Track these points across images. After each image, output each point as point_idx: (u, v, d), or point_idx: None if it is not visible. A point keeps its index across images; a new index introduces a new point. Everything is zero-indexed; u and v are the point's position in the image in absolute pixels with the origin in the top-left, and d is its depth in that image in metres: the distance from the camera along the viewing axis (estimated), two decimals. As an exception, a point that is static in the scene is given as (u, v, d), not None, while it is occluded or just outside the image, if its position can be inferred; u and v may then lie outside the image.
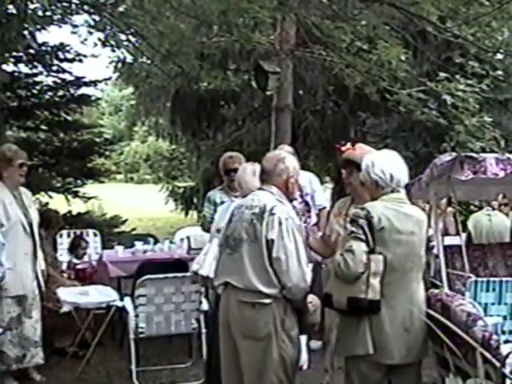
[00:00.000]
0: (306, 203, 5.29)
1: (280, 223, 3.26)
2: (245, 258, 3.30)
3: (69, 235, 8.25)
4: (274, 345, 3.28)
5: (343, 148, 3.81)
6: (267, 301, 3.26)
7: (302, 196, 5.26)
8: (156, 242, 7.18)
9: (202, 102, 12.58)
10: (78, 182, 11.09)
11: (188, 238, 6.62)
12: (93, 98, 11.33)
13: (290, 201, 3.58)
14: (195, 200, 13.91)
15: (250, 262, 3.28)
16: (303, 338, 3.74)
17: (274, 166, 3.45)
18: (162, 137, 16.55)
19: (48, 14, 7.30)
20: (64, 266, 6.65)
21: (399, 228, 3.15)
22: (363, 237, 3.11)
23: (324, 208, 5.85)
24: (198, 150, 14.66)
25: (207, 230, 5.16)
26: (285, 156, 3.52)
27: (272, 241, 3.24)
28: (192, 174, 17.96)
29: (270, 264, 3.25)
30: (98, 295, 5.29)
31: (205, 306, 5.00)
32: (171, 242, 7.10)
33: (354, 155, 3.76)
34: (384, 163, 3.27)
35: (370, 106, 10.92)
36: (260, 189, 3.50)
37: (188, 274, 4.94)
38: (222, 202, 4.96)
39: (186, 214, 14.35)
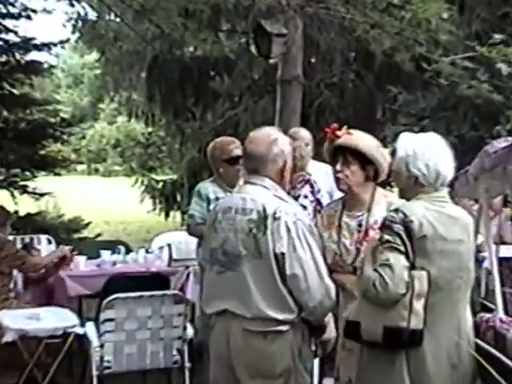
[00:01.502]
0: (319, 202, 5.26)
1: (288, 230, 3.22)
2: (248, 278, 3.25)
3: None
4: (292, 382, 3.28)
5: (338, 132, 3.77)
6: (284, 328, 3.24)
7: (313, 193, 5.23)
8: (128, 251, 7.18)
9: (187, 71, 12.60)
10: (27, 173, 11.10)
11: (169, 245, 6.65)
12: (45, 65, 11.36)
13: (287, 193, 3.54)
14: (178, 197, 13.97)
15: (255, 283, 3.24)
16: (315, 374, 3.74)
17: (266, 150, 3.37)
18: (136, 117, 16.54)
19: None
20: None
21: (444, 235, 3.11)
22: (402, 248, 3.05)
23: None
24: (181, 133, 14.71)
25: (195, 235, 5.14)
26: (277, 137, 3.44)
27: (282, 254, 3.20)
28: (174, 164, 18.03)
29: (283, 283, 3.22)
30: (53, 320, 5.29)
31: (190, 332, 4.99)
32: (147, 252, 7.11)
33: (355, 141, 3.75)
34: (429, 155, 3.19)
35: (402, 78, 10.93)
36: (247, 182, 3.44)
37: (169, 292, 4.92)
38: (217, 198, 4.89)
39: (167, 215, 14.40)
